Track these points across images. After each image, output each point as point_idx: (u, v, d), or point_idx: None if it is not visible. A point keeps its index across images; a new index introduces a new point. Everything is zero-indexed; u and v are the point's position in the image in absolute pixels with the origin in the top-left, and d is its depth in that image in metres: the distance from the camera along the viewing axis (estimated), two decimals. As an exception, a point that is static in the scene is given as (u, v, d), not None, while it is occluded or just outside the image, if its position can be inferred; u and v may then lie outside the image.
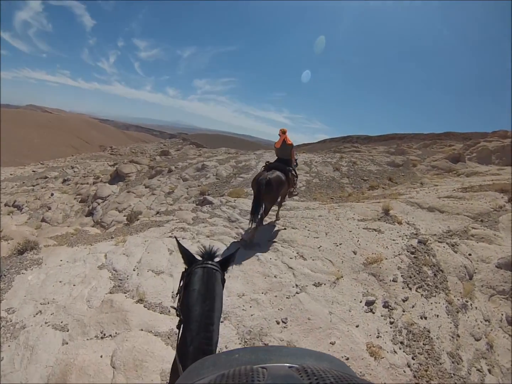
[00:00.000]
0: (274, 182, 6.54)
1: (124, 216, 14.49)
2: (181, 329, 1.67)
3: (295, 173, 7.81)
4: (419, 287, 5.76)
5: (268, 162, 7.82)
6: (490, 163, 21.64)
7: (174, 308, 1.85)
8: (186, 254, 1.97)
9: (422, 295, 5.60)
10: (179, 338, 1.66)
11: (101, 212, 19.27)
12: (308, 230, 7.57)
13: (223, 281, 1.86)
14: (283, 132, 7.50)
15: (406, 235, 7.26)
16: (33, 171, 50.08)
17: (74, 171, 44.63)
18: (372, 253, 6.44)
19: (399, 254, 6.47)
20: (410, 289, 5.70)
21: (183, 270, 1.93)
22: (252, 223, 6.70)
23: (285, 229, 7.70)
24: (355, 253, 6.49)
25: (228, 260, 1.99)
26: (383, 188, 15.59)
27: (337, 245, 6.75)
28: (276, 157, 7.76)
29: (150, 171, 22.90)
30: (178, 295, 1.87)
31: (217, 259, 1.96)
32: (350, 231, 7.35)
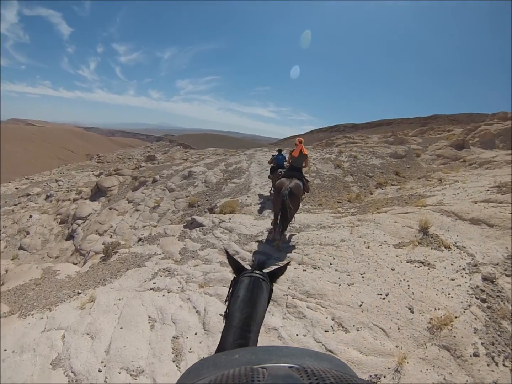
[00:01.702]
0: (295, 190, 6.67)
1: (103, 244, 12.28)
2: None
3: (307, 180, 7.77)
4: (505, 358, 3.74)
5: (281, 171, 8.70)
6: (494, 148, 19.79)
7: (221, 315, 2.06)
8: (235, 264, 1.90)
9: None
10: (219, 343, 1.56)
11: (81, 235, 16.98)
12: (336, 269, 5.47)
13: (270, 291, 1.76)
14: (300, 142, 7.50)
15: (464, 269, 5.22)
16: (16, 188, 47.27)
17: (59, 185, 42.05)
18: (435, 308, 4.39)
19: (469, 306, 4.42)
20: (497, 363, 3.68)
21: (232, 278, 1.83)
22: (276, 232, 6.88)
23: (304, 270, 5.58)
24: (411, 310, 4.41)
25: (277, 272, 1.84)
26: (392, 185, 13.62)
27: (382, 297, 4.67)
28: (290, 165, 7.62)
29: (133, 182, 20.60)
30: (226, 302, 1.80)
31: (265, 270, 1.82)
32: (392, 269, 5.28)
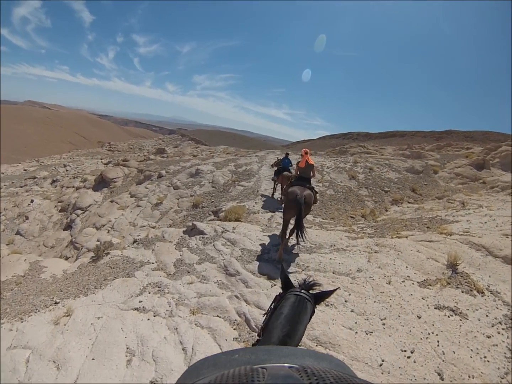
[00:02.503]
0: (309, 198, 6.59)
1: (98, 241, 11.55)
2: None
3: (315, 191, 7.54)
4: None
5: (286, 173, 9.07)
6: (515, 170, 18.78)
7: (257, 328, 2.01)
8: (285, 279, 1.83)
9: None
10: None
11: (79, 226, 16.32)
12: (352, 310, 4.62)
13: (313, 312, 1.71)
14: (306, 153, 7.58)
15: (500, 322, 4.34)
16: (25, 169, 47.02)
17: (67, 170, 41.71)
18: (469, 375, 3.53)
19: (505, 375, 3.57)
20: None
21: (277, 294, 1.82)
22: (297, 240, 6.45)
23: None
24: (441, 376, 3.54)
25: (323, 295, 1.78)
26: (409, 202, 12.72)
27: (407, 355, 3.80)
28: (297, 176, 7.47)
29: (138, 175, 19.91)
30: (266, 315, 1.81)
31: (313, 291, 1.76)
32: (418, 317, 4.41)
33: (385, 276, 5.39)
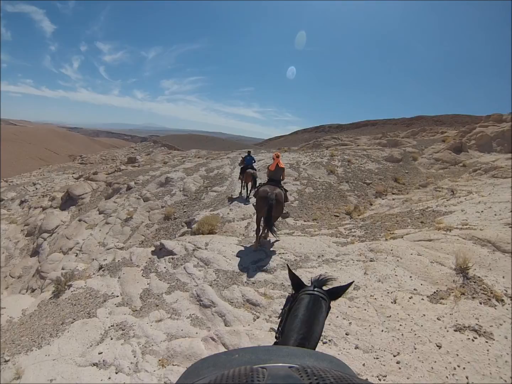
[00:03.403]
0: (280, 197, 6.71)
1: (63, 269, 10.27)
2: None
3: (285, 189, 7.71)
4: None
5: (260, 183, 7.98)
6: (492, 151, 18.37)
7: (274, 331, 1.92)
8: (295, 280, 1.73)
9: None
10: None
11: (47, 251, 14.83)
12: (356, 345, 3.64)
13: (328, 308, 1.61)
14: (277, 156, 7.57)
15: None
16: (-9, 191, 44.37)
17: (36, 188, 39.47)
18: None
19: None
20: None
21: (289, 294, 1.76)
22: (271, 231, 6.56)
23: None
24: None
25: (338, 291, 1.68)
26: (393, 193, 11.97)
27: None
28: (268, 178, 7.59)
29: (107, 189, 18.47)
30: (280, 318, 1.75)
31: (325, 287, 1.68)
32: (438, 346, 3.49)
33: (388, 292, 4.46)
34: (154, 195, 14.72)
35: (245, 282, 5.42)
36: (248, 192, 11.95)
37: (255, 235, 8.25)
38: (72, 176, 43.40)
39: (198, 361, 1.06)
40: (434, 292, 4.42)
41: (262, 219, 6.73)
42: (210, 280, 5.70)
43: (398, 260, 5.22)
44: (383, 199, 11.43)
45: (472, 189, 9.82)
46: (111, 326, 5.36)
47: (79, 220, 15.53)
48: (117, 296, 6.40)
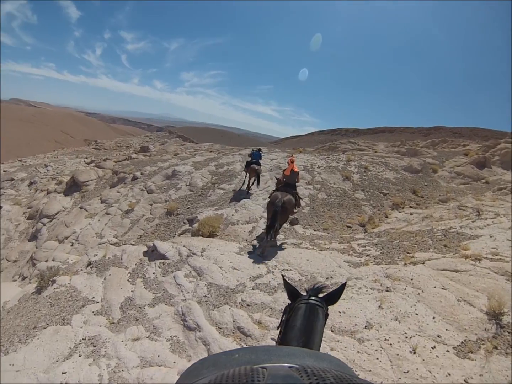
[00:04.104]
0: (288, 204, 6.89)
1: (53, 261, 9.69)
2: None
3: (299, 196, 7.91)
4: None
5: (278, 185, 8.24)
6: (516, 169, 17.31)
7: (275, 341, 1.95)
8: (290, 290, 1.79)
9: None
10: None
11: (45, 237, 14.36)
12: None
13: (326, 316, 1.69)
14: (292, 161, 7.79)
15: None
16: (4, 170, 44.46)
17: (47, 170, 39.44)
18: None
19: None
20: None
21: (287, 304, 1.76)
22: (267, 238, 6.77)
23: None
24: None
25: (333, 295, 1.75)
26: (410, 206, 11.06)
27: None
28: (283, 182, 7.78)
29: (113, 177, 17.93)
30: (279, 328, 1.76)
31: (321, 295, 1.75)
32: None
33: (407, 337, 3.67)
34: (159, 188, 14.08)
35: (239, 303, 4.67)
36: (250, 185, 12.14)
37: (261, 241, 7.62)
38: (84, 161, 43.25)
39: (198, 361, 1.03)
40: (462, 342, 3.62)
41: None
42: (200, 296, 4.97)
43: (419, 294, 4.41)
44: (400, 212, 10.55)
45: (500, 211, 8.88)
46: (83, 339, 4.71)
47: (80, 208, 15.02)
48: (97, 302, 5.76)
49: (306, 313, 1.55)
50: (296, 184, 7.91)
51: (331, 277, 5.17)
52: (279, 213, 6.67)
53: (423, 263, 5.29)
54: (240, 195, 11.98)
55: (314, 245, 7.10)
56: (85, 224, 13.15)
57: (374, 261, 5.70)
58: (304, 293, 1.74)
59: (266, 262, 5.92)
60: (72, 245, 12.41)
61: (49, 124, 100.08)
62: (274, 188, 8.36)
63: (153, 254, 6.92)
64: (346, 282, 1.88)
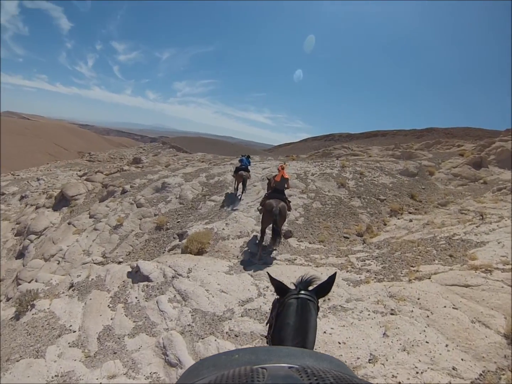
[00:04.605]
0: (283, 211, 7.17)
1: (36, 283, 9.12)
2: None
3: (288, 200, 8.04)
4: None
5: (267, 193, 8.42)
6: (512, 167, 16.97)
7: (265, 337, 1.75)
8: (277, 285, 1.67)
9: None
10: None
11: (32, 254, 13.75)
12: None
13: (318, 309, 1.61)
14: (282, 168, 8.05)
15: None
16: (-5, 185, 43.73)
17: (39, 184, 38.75)
18: None
19: None
20: None
21: (275, 299, 1.70)
22: (269, 244, 7.54)
23: None
24: None
25: (324, 288, 1.65)
26: (409, 212, 10.61)
27: None
28: (273, 188, 7.91)
29: (102, 191, 17.39)
30: (269, 323, 1.69)
31: (311, 287, 1.66)
32: None
33: (417, 372, 3.16)
34: (149, 201, 13.55)
35: (226, 333, 4.15)
36: (236, 191, 12.61)
37: (253, 256, 7.16)
38: (77, 174, 42.60)
39: (198, 361, 1.02)
40: (480, 375, 3.13)
41: (267, 230, 7.45)
42: (184, 325, 4.46)
43: (428, 316, 3.92)
44: (398, 218, 10.09)
45: (504, 213, 8.45)
46: (56, 375, 4.21)
47: (69, 223, 14.42)
48: (74, 332, 5.23)
49: (298, 309, 1.49)
50: (288, 190, 8.38)
51: (328, 299, 4.65)
52: (279, 220, 6.98)
53: (429, 278, 4.79)
54: (231, 203, 11.55)
55: (309, 261, 6.59)
56: (73, 241, 12.56)
57: (375, 277, 5.18)
58: (293, 287, 1.65)
59: (257, 282, 5.41)
60: (58, 263, 11.82)
61: (42, 136, 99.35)
62: (265, 194, 8.48)
63: (136, 275, 6.39)
64: (335, 273, 1.73)
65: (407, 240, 7.20)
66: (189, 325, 4.44)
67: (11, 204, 25.92)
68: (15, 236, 16.99)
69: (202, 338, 4.13)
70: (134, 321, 4.92)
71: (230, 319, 4.42)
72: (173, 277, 5.80)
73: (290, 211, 8.29)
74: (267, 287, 5.11)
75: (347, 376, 0.71)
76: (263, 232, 7.43)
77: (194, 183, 14.24)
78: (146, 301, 5.37)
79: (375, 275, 5.30)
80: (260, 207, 8.57)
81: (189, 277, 5.70)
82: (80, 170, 48.11)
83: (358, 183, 12.78)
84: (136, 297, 5.58)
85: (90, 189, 18.41)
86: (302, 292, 1.56)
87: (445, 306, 4.08)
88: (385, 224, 9.85)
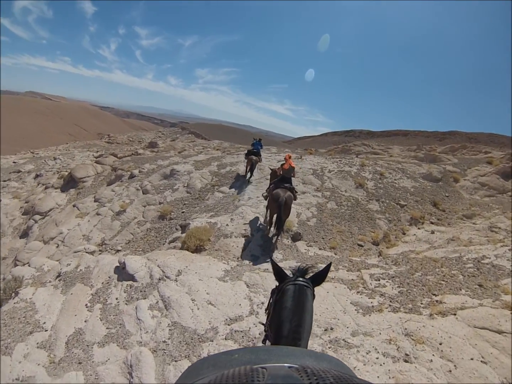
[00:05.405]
0: (289, 201, 7.35)
1: (29, 266, 8.71)
2: (266, 343, 1.69)
3: (295, 190, 8.27)
4: None
5: (274, 180, 8.53)
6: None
7: (263, 324, 1.86)
8: (277, 271, 1.79)
9: None
10: None
11: (36, 234, 13.48)
12: None
13: (314, 296, 1.70)
14: (289, 157, 8.37)
15: None
16: (14, 162, 44.20)
17: (55, 163, 38.99)
18: None
19: None
20: None
21: (274, 287, 1.78)
22: (273, 234, 7.72)
23: None
24: None
25: (320, 275, 1.76)
26: (431, 222, 9.71)
27: None
28: (281, 176, 8.15)
29: (111, 174, 16.98)
30: (268, 311, 1.79)
31: (308, 276, 1.76)
32: None
33: None
34: (155, 188, 13.00)
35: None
36: (247, 174, 12.60)
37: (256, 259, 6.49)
38: (93, 155, 42.68)
39: (198, 361, 1.01)
40: None
41: (274, 217, 7.48)
42: (158, 341, 3.82)
43: (450, 371, 3.14)
44: (419, 228, 9.22)
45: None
46: (16, 379, 3.68)
47: (73, 206, 14.04)
48: (46, 331, 4.68)
49: (295, 293, 1.57)
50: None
51: (332, 329, 3.89)
52: (284, 209, 7.15)
53: (455, 314, 3.97)
54: (240, 193, 10.97)
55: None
56: (74, 225, 12.14)
57: (390, 305, 4.36)
58: (291, 275, 1.73)
59: (252, 295, 4.70)
60: (57, 247, 11.43)
61: (63, 117, 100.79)
62: (272, 182, 8.53)
63: (123, 272, 5.80)
64: (331, 263, 1.86)
65: (429, 257, 6.35)
66: (164, 341, 3.80)
67: (26, 182, 25.91)
68: (22, 215, 16.76)
69: (176, 361, 3.49)
70: (107, 328, 4.33)
71: (212, 341, 3.74)
72: (159, 279, 5.17)
73: (296, 199, 8.28)
74: (262, 303, 4.41)
75: (347, 375, 0.71)
76: (271, 218, 7.71)
77: (204, 171, 13.60)
78: (126, 304, 4.76)
79: (390, 301, 4.49)
80: (265, 194, 8.78)
81: (177, 281, 5.06)
82: (97, 152, 48.24)
83: (378, 184, 11.89)
84: (116, 298, 4.99)
85: (99, 172, 18.03)
86: (300, 279, 1.64)
87: (472, 358, 3.29)
88: (403, 233, 9.01)
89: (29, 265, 9.24)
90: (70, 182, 17.47)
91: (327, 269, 1.74)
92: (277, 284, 1.73)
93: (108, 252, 10.29)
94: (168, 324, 4.08)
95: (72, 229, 11.91)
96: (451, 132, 71.22)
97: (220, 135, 75.33)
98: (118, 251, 10.11)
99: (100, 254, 9.33)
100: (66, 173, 19.51)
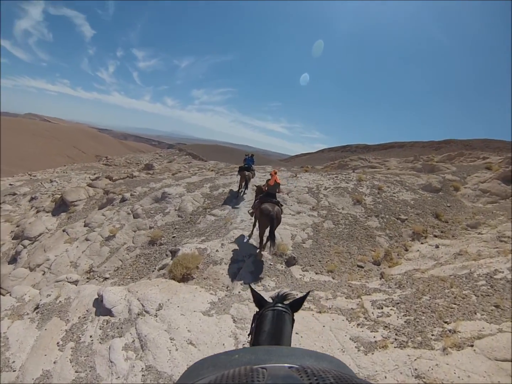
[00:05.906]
0: (279, 214, 7.57)
1: (10, 296, 8.17)
2: None
3: (280, 204, 8.24)
4: None
5: (259, 195, 8.55)
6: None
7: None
8: (257, 298, 1.85)
9: None
10: None
11: (24, 260, 12.92)
12: None
13: (293, 321, 1.75)
14: (275, 173, 8.58)
15: None
16: (10, 184, 43.80)
17: (51, 185, 38.57)
18: None
19: None
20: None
21: (255, 313, 1.80)
22: (267, 248, 7.67)
23: None
24: None
25: (298, 302, 1.82)
26: (435, 235, 9.22)
27: None
28: (266, 192, 8.22)
29: (103, 197, 16.52)
30: (250, 336, 1.79)
31: (287, 302, 1.80)
32: None
33: None
34: (146, 212, 12.51)
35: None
36: (240, 190, 12.96)
37: (241, 290, 5.94)
38: (89, 177, 42.30)
39: (198, 361, 1.02)
40: None
41: (266, 231, 7.51)
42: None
43: None
44: (422, 243, 8.72)
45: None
46: None
47: (63, 231, 13.52)
48: (14, 371, 4.16)
49: (273, 319, 1.60)
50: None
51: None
52: (275, 222, 7.29)
53: (472, 346, 3.44)
54: (232, 215, 10.45)
55: (312, 301, 5.27)
56: (62, 251, 11.61)
57: (395, 339, 3.79)
58: (271, 301, 1.75)
59: (238, 332, 4.17)
60: (43, 274, 10.88)
61: (62, 139, 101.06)
62: (258, 198, 8.59)
63: (101, 305, 5.28)
64: (309, 292, 1.92)
65: (436, 276, 5.82)
66: (136, 392, 3.27)
67: (21, 205, 25.38)
68: (12, 239, 16.20)
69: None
70: (76, 371, 3.80)
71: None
72: (138, 314, 4.65)
73: (282, 214, 8.31)
74: (248, 342, 3.91)
75: (347, 375, 0.70)
76: (261, 233, 7.62)
77: (196, 194, 13.14)
78: (100, 343, 4.24)
79: (396, 334, 3.92)
80: (251, 211, 8.86)
81: (157, 316, 4.54)
82: (94, 174, 47.84)
83: (376, 199, 11.43)
84: (91, 336, 4.46)
85: (91, 195, 17.58)
86: (278, 304, 1.68)
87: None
88: (406, 250, 8.50)
89: (10, 295, 8.70)
90: (61, 206, 16.99)
91: (304, 297, 1.78)
92: (257, 311, 1.75)
93: (96, 279, 9.76)
94: (142, 369, 3.56)
95: (59, 255, 11.38)
96: (446, 141, 71.35)
97: (216, 156, 75.36)
98: (106, 278, 9.57)
99: (86, 283, 8.80)
100: (59, 197, 19.05)
